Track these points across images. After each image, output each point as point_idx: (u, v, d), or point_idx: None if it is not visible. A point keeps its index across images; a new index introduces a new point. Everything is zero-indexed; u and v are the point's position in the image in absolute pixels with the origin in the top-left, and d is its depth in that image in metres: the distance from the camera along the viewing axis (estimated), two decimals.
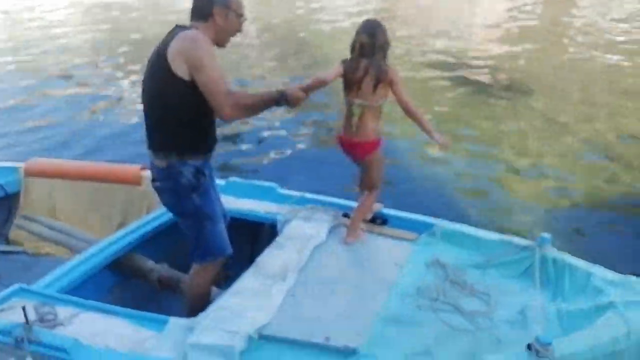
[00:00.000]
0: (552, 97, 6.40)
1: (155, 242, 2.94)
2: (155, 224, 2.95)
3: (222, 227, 2.41)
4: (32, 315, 2.07)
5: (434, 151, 4.76)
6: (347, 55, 2.49)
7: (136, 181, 3.44)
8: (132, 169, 3.50)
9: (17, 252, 3.43)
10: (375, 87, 2.40)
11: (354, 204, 2.89)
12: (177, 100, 2.17)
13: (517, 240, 2.53)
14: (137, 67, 8.80)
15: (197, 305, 2.30)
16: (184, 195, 2.29)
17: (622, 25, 10.58)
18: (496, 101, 6.33)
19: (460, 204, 4.13)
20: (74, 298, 2.26)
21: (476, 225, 2.86)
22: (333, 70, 2.46)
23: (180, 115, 2.20)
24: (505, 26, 10.62)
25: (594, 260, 2.31)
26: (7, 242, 3.51)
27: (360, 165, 2.68)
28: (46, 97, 7.64)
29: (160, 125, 2.25)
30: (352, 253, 2.61)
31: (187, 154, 2.25)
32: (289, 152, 5.50)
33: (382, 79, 2.40)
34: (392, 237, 2.77)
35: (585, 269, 2.23)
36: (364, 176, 2.69)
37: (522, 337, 1.99)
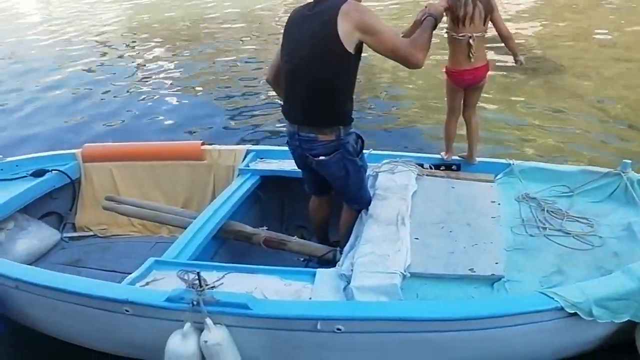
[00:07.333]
0: (584, 74, 6.38)
1: (242, 210, 3.04)
2: (240, 194, 3.04)
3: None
4: (183, 283, 2.16)
5: None
6: None
7: (199, 156, 3.47)
8: (193, 145, 3.53)
9: (89, 237, 3.44)
10: (485, 18, 2.63)
11: (414, 155, 3.20)
12: (346, 75, 2.27)
13: (596, 168, 2.78)
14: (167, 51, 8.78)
15: (348, 232, 2.60)
16: (350, 160, 2.42)
17: None
18: (527, 80, 6.29)
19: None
20: (212, 263, 2.35)
21: None
22: (443, 4, 2.58)
23: (346, 89, 2.32)
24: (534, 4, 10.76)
25: None
26: (74, 228, 3.50)
27: (471, 90, 2.88)
28: (85, 86, 7.50)
29: (329, 103, 2.31)
30: (447, 196, 2.79)
31: (349, 124, 2.38)
32: None
33: (490, 10, 2.64)
34: (473, 180, 2.97)
35: None
36: (472, 99, 2.93)
37: (634, 248, 2.26)
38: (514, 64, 2.86)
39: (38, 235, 3.19)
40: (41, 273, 2.31)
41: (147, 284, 2.21)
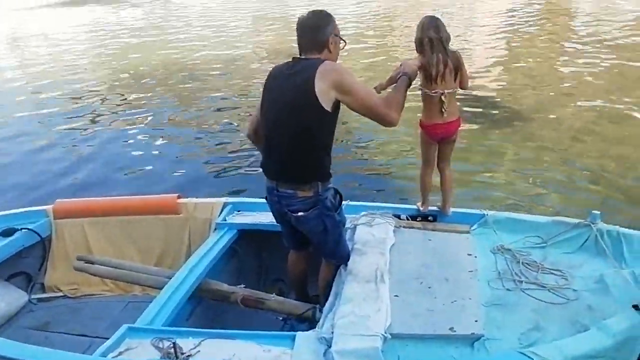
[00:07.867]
0: (550, 124, 6.59)
1: (219, 266, 3.00)
2: (217, 249, 3.00)
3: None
4: (157, 352, 2.10)
5: None
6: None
7: (174, 210, 3.42)
8: (169, 198, 3.48)
9: (58, 297, 3.33)
10: (455, 75, 2.79)
11: (391, 205, 3.23)
12: (324, 132, 2.31)
13: (567, 219, 2.84)
14: (137, 99, 8.80)
15: (327, 287, 2.62)
16: (329, 215, 2.42)
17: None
18: (494, 129, 6.52)
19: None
20: (188, 329, 2.29)
21: None
22: (417, 62, 2.72)
23: (324, 146, 2.35)
24: (503, 46, 11.20)
25: None
26: (43, 288, 3.38)
27: (444, 143, 2.97)
28: (57, 135, 7.39)
29: (306, 159, 2.33)
30: (424, 249, 2.80)
31: (327, 180, 2.40)
32: None
33: (459, 68, 2.79)
34: (448, 231, 3.00)
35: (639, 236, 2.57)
36: (445, 151, 3.02)
37: (607, 302, 2.29)
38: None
39: (5, 298, 3.08)
40: (5, 344, 2.21)
41: (120, 354, 2.13)
